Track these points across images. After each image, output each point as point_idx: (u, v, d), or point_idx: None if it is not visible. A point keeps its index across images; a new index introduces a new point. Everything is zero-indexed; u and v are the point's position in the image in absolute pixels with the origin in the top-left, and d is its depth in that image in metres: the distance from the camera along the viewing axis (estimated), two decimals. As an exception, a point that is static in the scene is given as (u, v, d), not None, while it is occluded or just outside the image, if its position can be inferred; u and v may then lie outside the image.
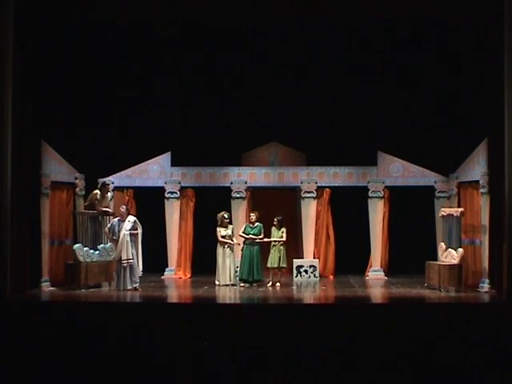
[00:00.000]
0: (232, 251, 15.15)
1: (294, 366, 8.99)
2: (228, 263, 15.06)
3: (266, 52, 16.18)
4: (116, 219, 14.46)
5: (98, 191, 15.22)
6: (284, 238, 15.05)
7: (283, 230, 15.09)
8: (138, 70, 16.18)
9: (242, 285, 14.86)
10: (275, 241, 15.01)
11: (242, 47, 16.14)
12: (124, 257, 14.02)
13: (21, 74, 13.26)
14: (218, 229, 15.13)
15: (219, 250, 15.09)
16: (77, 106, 15.66)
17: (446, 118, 15.75)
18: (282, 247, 15.05)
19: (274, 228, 15.09)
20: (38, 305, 12.71)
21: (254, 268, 14.83)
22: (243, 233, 15.08)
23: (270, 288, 14.73)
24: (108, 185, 15.72)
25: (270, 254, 15.05)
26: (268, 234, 15.12)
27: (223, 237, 15.08)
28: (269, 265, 15.07)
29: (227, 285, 14.92)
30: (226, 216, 15.20)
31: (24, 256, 13.61)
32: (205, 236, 15.86)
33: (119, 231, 14.20)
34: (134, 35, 15.62)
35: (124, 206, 14.78)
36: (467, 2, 13.81)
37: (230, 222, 15.50)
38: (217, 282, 15.01)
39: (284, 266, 15.13)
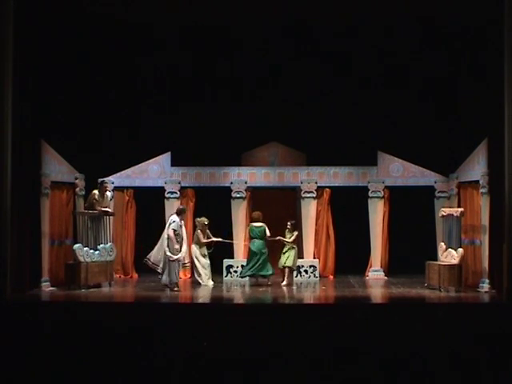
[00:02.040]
0: (207, 251, 15.44)
1: (294, 366, 8.99)
2: (207, 262, 15.34)
3: (266, 52, 16.17)
4: (178, 218, 14.39)
5: (96, 191, 15.21)
6: (291, 240, 15.29)
7: (295, 233, 15.37)
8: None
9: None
10: (287, 243, 15.27)
11: (242, 47, 16.14)
12: (188, 259, 14.43)
13: (21, 74, 13.25)
14: (199, 231, 15.36)
15: (197, 250, 15.31)
16: (77, 106, 15.66)
17: (446, 118, 15.74)
18: (293, 249, 15.32)
19: (287, 231, 15.33)
20: (38, 305, 12.70)
21: (260, 263, 15.00)
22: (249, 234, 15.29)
23: (285, 288, 14.89)
24: (106, 183, 15.69)
25: (282, 255, 15.29)
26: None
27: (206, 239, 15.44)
28: (280, 266, 15.36)
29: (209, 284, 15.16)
30: (206, 223, 15.42)
31: (24, 256, 13.60)
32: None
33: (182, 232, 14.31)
34: (134, 35, 15.63)
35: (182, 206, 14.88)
36: (467, 2, 13.81)
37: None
38: (202, 282, 15.21)
39: (289, 265, 15.33)
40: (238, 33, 15.83)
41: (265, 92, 16.32)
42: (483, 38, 13.99)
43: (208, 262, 15.33)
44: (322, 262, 16.57)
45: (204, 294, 14.10)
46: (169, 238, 14.11)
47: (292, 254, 15.28)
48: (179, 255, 14.14)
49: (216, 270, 15.95)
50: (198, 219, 15.56)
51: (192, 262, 15.44)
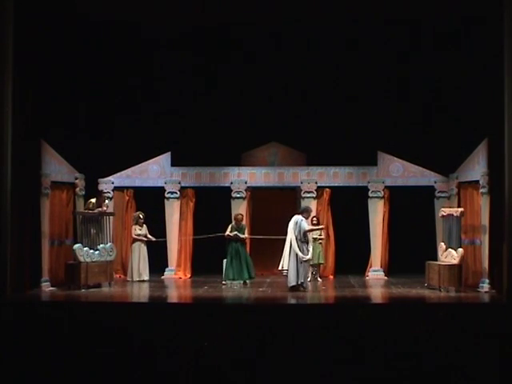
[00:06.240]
0: (145, 247, 15.83)
1: (294, 366, 8.99)
2: (142, 259, 15.74)
3: (266, 52, 16.17)
4: (304, 217, 14.34)
5: (93, 200, 15.25)
6: (323, 236, 15.81)
7: (321, 226, 15.63)
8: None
9: (224, 283, 15.00)
10: (315, 238, 15.41)
11: (242, 47, 16.14)
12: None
13: (21, 74, 13.25)
14: (134, 227, 15.81)
15: (135, 246, 15.75)
16: (77, 106, 15.66)
17: (445, 117, 15.74)
18: (320, 244, 15.68)
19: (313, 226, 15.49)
20: (38, 305, 12.71)
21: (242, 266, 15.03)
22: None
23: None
24: (103, 195, 15.82)
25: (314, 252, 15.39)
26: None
27: (138, 235, 15.75)
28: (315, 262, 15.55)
29: (142, 280, 15.54)
30: (141, 216, 15.86)
31: (24, 256, 13.60)
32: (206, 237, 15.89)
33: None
34: (134, 35, 15.63)
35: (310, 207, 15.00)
36: (467, 1, 13.81)
37: (145, 222, 15.94)
38: (130, 279, 15.72)
39: (322, 262, 15.85)
40: (237, 33, 15.82)
41: (265, 92, 16.29)
42: (483, 37, 13.98)
43: (142, 258, 15.75)
44: (322, 262, 16.58)
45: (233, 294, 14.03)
46: (306, 233, 14.06)
47: (322, 249, 15.79)
48: (309, 255, 14.17)
49: (217, 271, 15.94)
50: (135, 213, 16.03)
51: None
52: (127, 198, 16.91)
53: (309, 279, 15.13)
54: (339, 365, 8.98)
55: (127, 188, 16.90)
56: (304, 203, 16.39)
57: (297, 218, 14.26)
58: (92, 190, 16.01)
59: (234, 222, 15.24)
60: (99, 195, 15.60)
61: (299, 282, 14.01)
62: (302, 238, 14.10)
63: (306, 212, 14.49)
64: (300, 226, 14.09)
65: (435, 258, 14.88)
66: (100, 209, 15.18)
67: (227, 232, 15.08)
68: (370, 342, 9.49)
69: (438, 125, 15.89)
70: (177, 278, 16.47)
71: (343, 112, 16.24)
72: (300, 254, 13.99)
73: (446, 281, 13.96)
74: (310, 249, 14.26)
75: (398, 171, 16.55)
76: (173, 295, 14.86)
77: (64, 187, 15.47)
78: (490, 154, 14.03)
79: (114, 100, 16.25)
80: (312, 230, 14.59)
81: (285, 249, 14.18)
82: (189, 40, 16.00)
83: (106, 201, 15.63)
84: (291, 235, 14.09)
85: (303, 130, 16.48)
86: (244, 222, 15.50)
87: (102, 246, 14.97)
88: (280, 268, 14.24)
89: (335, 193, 16.64)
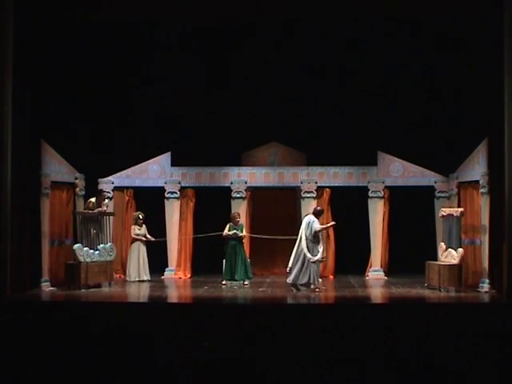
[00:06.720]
0: (144, 247, 15.88)
1: (294, 366, 8.98)
2: (142, 259, 15.78)
3: (267, 52, 16.16)
4: (316, 218, 14.34)
5: (93, 199, 15.25)
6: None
7: (331, 224, 15.45)
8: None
9: (223, 283, 14.98)
10: None
11: (242, 47, 16.14)
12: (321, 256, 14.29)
13: (21, 74, 13.26)
14: (133, 227, 15.89)
15: (134, 246, 15.84)
16: (77, 106, 15.66)
17: (445, 117, 15.74)
18: None
19: None
20: (38, 305, 12.71)
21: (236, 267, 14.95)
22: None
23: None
24: (104, 194, 15.78)
25: None
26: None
27: (137, 235, 15.84)
28: None
29: (142, 280, 15.62)
30: (140, 216, 15.93)
31: (24, 256, 13.61)
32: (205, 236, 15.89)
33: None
34: (133, 35, 15.62)
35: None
36: (467, 1, 13.81)
37: (144, 222, 16.00)
38: (128, 278, 15.80)
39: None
40: (237, 33, 15.82)
41: (265, 92, 16.29)
42: (483, 37, 13.98)
43: (141, 257, 15.79)
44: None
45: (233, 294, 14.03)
46: (316, 233, 14.02)
47: None
48: (319, 256, 14.08)
49: (217, 271, 15.95)
50: (134, 213, 16.13)
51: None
52: (127, 198, 16.92)
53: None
54: (339, 365, 8.97)
55: (127, 188, 16.91)
56: (304, 203, 16.42)
57: (309, 218, 14.28)
58: (92, 189, 16.01)
59: (231, 221, 15.22)
60: (99, 194, 15.62)
61: (300, 283, 14.00)
62: (313, 239, 14.08)
63: (319, 214, 14.42)
64: (312, 227, 14.09)
65: (435, 258, 14.88)
66: (100, 208, 15.19)
67: (225, 231, 15.06)
68: (369, 342, 9.49)
69: (438, 125, 15.88)
70: (177, 277, 16.47)
71: (343, 112, 16.24)
72: (308, 254, 13.96)
73: (446, 281, 13.97)
74: (320, 250, 14.11)
75: (398, 171, 16.55)
76: (173, 295, 14.87)
77: (64, 187, 15.48)
78: (490, 154, 14.04)
79: (114, 100, 16.23)
80: (323, 229, 14.51)
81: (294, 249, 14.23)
82: (189, 40, 15.99)
83: (106, 200, 15.64)
84: (302, 235, 14.10)
85: (303, 130, 16.48)
86: (241, 221, 15.43)
87: (101, 245, 14.98)
88: (288, 270, 14.27)
89: (335, 193, 16.64)
